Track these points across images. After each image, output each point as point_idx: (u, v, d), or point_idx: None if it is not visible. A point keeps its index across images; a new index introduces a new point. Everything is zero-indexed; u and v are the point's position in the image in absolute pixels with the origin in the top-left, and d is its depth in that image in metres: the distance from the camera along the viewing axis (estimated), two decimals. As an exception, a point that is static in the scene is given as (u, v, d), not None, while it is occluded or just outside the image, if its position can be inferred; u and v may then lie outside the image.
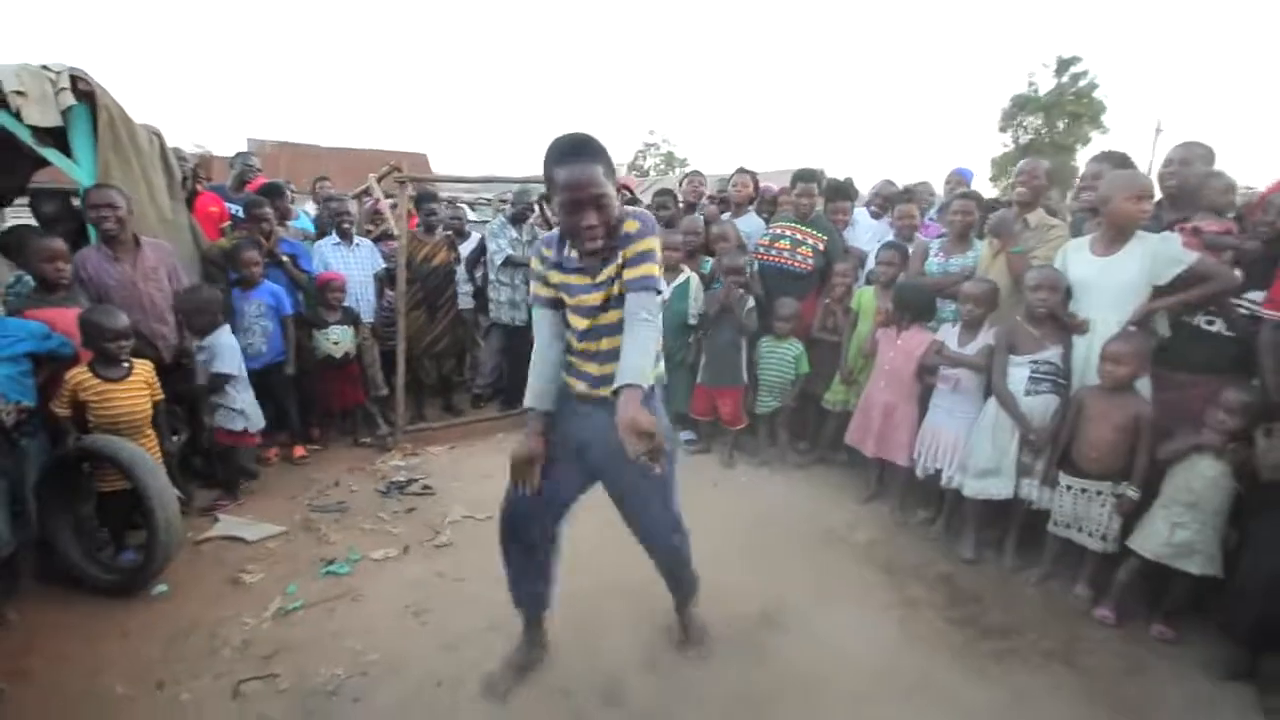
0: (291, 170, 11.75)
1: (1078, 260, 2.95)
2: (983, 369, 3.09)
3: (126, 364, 2.71)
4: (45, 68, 2.83)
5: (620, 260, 1.76)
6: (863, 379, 3.68)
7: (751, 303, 3.91)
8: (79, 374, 2.60)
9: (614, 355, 1.76)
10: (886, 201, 4.55)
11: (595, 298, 1.83)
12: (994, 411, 3.04)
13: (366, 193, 5.51)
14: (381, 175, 5.12)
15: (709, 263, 4.28)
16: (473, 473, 3.83)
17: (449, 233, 5.00)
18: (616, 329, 1.80)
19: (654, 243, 1.75)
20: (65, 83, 2.88)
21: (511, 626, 2.23)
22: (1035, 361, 2.93)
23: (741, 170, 4.59)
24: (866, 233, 4.41)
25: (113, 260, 3.07)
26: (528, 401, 1.91)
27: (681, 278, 4.09)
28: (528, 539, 2.04)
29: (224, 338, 3.35)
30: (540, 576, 2.11)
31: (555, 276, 1.88)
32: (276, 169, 12.12)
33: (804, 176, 4.09)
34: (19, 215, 4.87)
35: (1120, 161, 3.17)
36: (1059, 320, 2.93)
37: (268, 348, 3.83)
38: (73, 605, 2.51)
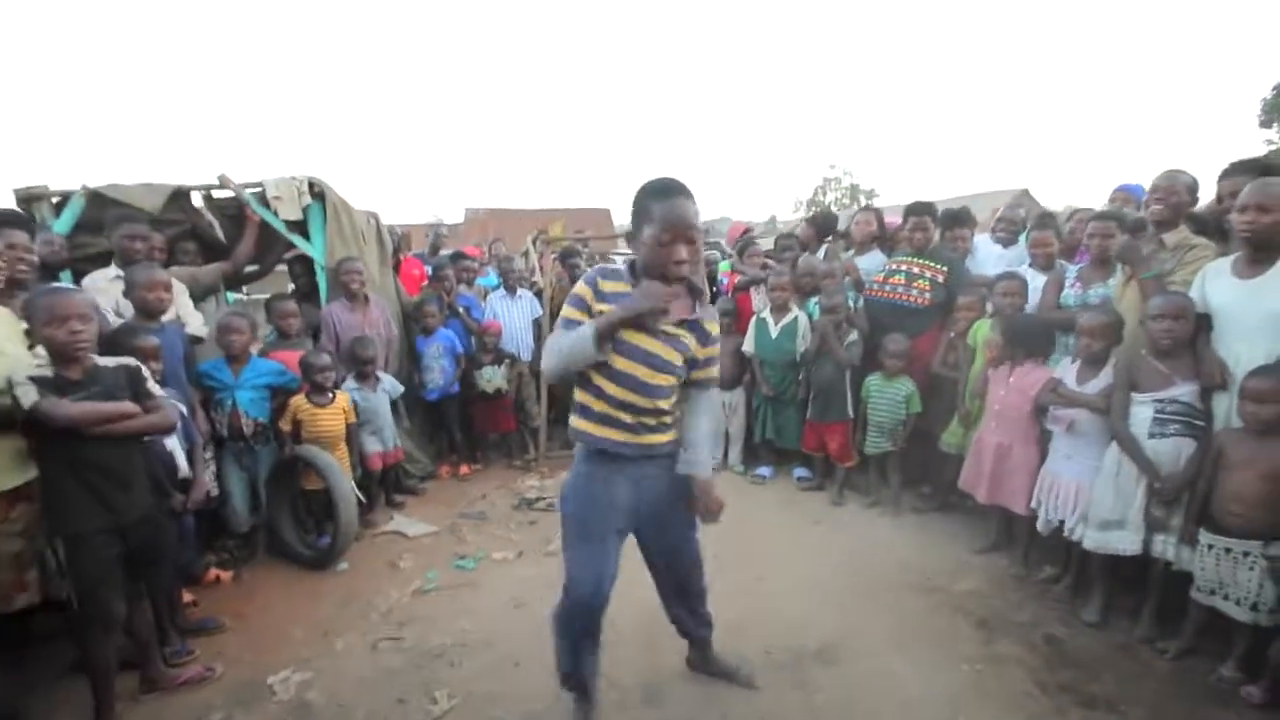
0: (498, 231, 13.72)
1: (1218, 284, 2.57)
2: (1102, 410, 2.79)
3: (330, 394, 3.60)
4: (293, 178, 3.95)
5: (698, 343, 1.92)
6: (980, 419, 3.46)
7: (854, 336, 3.89)
8: (298, 400, 3.54)
9: (654, 414, 1.89)
10: (1011, 226, 4.23)
11: (661, 349, 1.85)
12: (1116, 456, 2.72)
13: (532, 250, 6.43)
14: (534, 238, 5.97)
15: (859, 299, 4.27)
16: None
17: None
18: (668, 393, 1.89)
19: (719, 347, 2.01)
20: (305, 188, 3.98)
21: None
22: (1161, 400, 2.59)
23: (865, 208, 4.61)
24: (989, 260, 4.13)
25: (350, 311, 4.11)
26: (586, 331, 1.78)
27: (790, 316, 4.20)
28: (598, 624, 2.07)
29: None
30: (596, 651, 2.15)
31: (605, 307, 1.85)
32: (486, 232, 14.25)
33: (915, 210, 4.02)
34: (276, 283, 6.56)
35: (1259, 169, 2.70)
36: (1192, 353, 2.58)
37: (443, 382, 4.69)
38: (283, 572, 3.38)
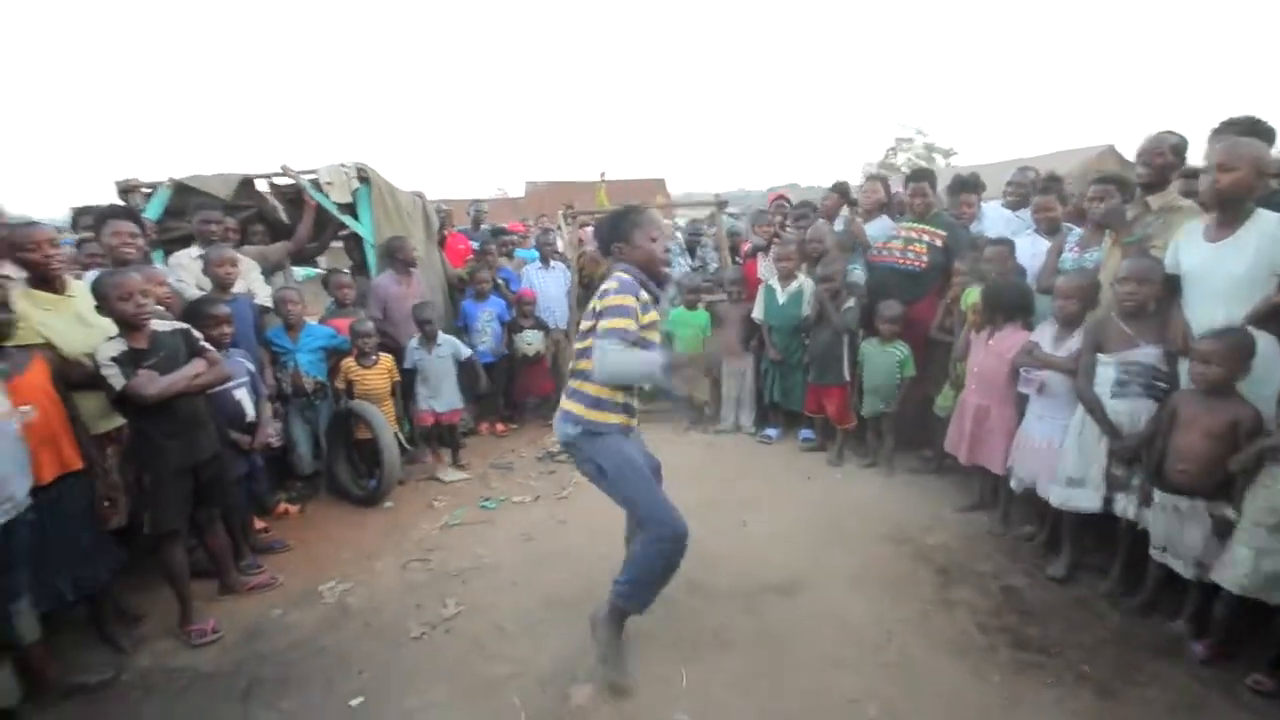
0: (557, 203, 14.13)
1: (1189, 248, 2.60)
2: (1071, 371, 2.87)
3: (374, 356, 4.12)
4: (342, 165, 4.44)
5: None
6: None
7: (850, 303, 4.03)
8: (348, 362, 4.07)
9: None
10: (1020, 190, 4.19)
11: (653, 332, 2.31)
12: (1081, 416, 2.82)
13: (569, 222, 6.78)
14: (563, 212, 6.30)
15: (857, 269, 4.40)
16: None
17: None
18: None
19: None
20: (354, 173, 4.46)
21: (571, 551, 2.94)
22: (1124, 362, 2.67)
23: (871, 177, 4.67)
24: (997, 225, 4.13)
25: (398, 283, 4.61)
26: (658, 361, 2.17)
27: (796, 283, 4.38)
28: None
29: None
30: None
31: (647, 316, 2.25)
32: (541, 204, 14.69)
33: (915, 177, 4.11)
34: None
35: (1248, 128, 2.65)
36: (1160, 317, 2.63)
37: (495, 344, 5.15)
38: (339, 508, 3.96)
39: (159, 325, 2.70)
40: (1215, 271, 2.47)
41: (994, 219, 4.31)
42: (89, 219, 3.74)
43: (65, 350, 2.56)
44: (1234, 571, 2.23)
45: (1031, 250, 3.63)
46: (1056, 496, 2.90)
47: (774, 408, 4.67)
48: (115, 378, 2.49)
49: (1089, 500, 2.78)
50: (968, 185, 4.36)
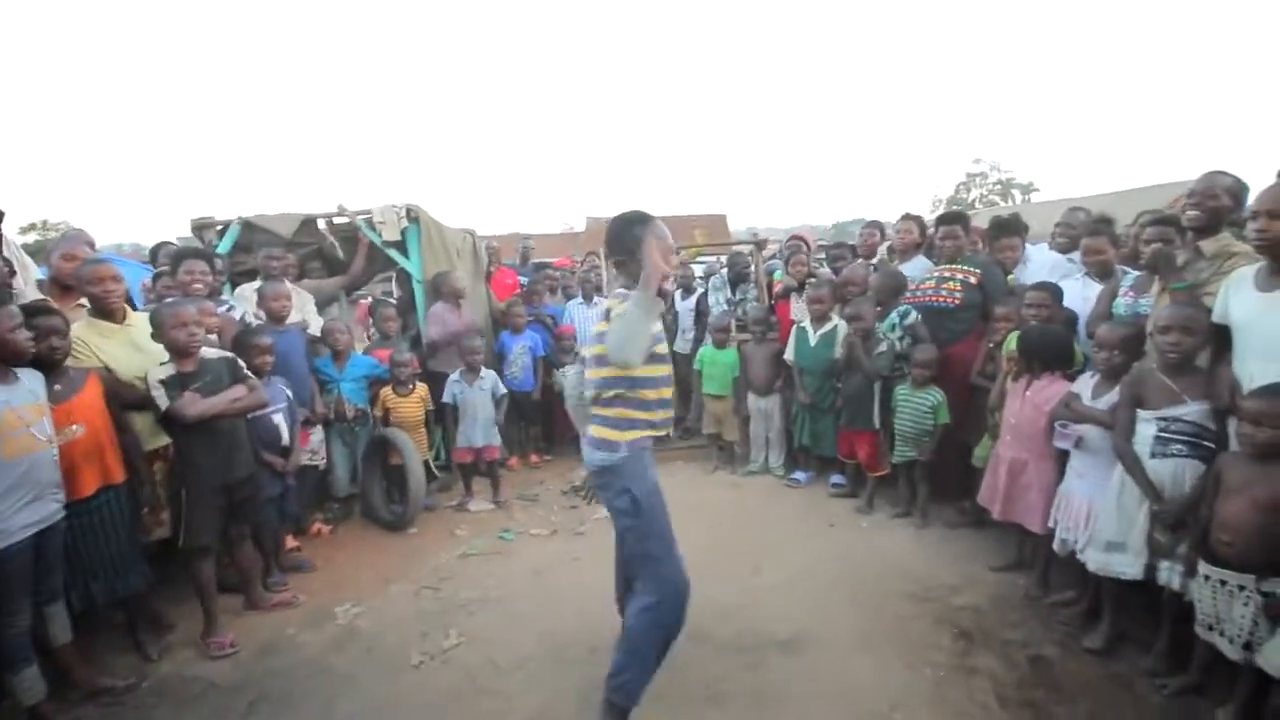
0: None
1: (1239, 297, 2.39)
2: (1109, 425, 2.66)
3: (410, 385, 4.30)
4: (393, 205, 4.73)
5: None
6: (1003, 433, 3.35)
7: (883, 346, 3.90)
8: (385, 390, 4.27)
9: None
10: (1070, 231, 3.96)
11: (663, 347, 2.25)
12: (1120, 475, 2.60)
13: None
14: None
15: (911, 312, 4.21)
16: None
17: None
18: None
19: None
20: (403, 212, 4.74)
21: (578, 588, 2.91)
22: (1165, 419, 2.45)
23: (906, 216, 4.55)
24: (1043, 269, 3.90)
25: (450, 311, 4.82)
26: (635, 297, 1.99)
27: (829, 325, 4.28)
28: None
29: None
30: None
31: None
32: (599, 240, 15.04)
33: (945, 220, 4.07)
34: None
35: None
36: (1207, 371, 2.41)
37: (524, 376, 5.28)
38: (368, 531, 4.12)
39: (207, 353, 2.94)
40: (1265, 323, 2.25)
41: (1039, 263, 4.08)
42: (166, 257, 4.12)
43: (120, 373, 2.82)
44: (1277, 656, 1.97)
45: (1083, 294, 3.41)
46: (1094, 561, 2.66)
47: (804, 451, 4.54)
48: (161, 399, 2.72)
49: (1130, 567, 2.53)
50: (1008, 228, 4.17)
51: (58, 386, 2.52)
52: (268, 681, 2.64)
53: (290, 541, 3.74)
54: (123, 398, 2.80)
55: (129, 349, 2.90)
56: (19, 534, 2.25)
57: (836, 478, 4.35)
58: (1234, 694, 2.22)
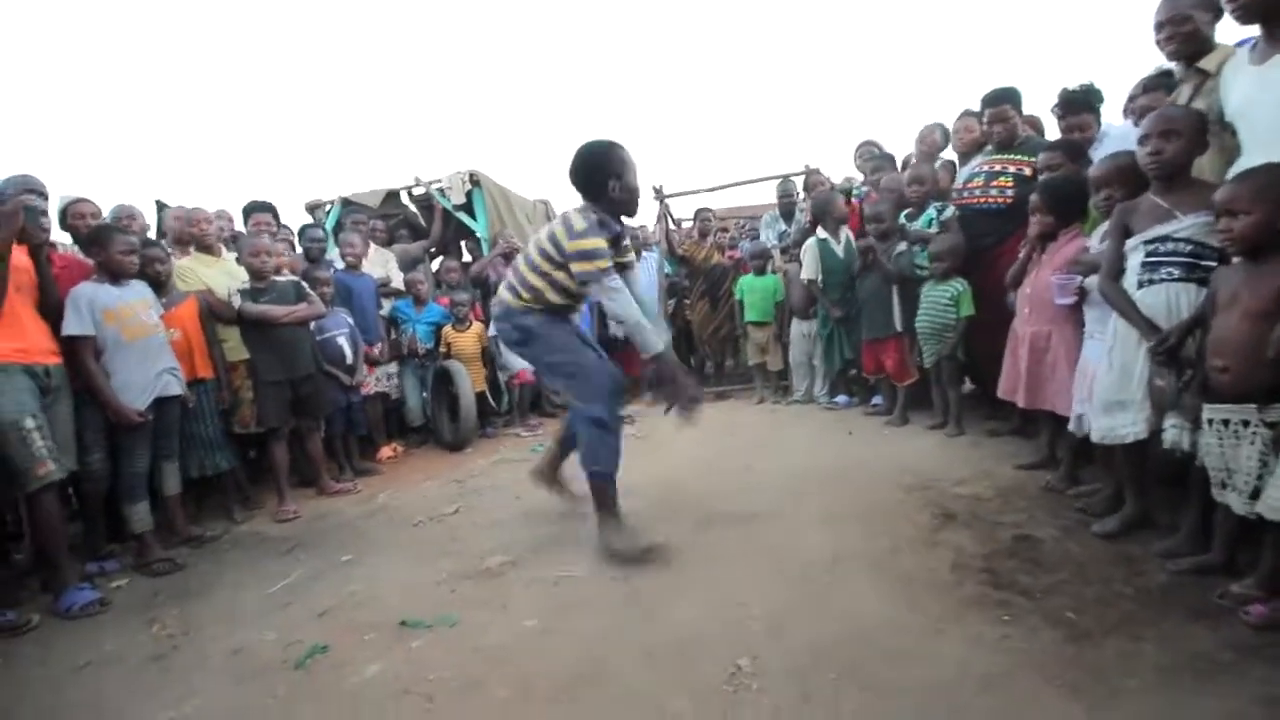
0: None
1: (1234, 79, 2.00)
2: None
3: (468, 322, 4.81)
4: (458, 172, 5.32)
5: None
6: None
7: (902, 247, 3.61)
8: (448, 328, 4.81)
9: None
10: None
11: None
12: (1115, 322, 2.24)
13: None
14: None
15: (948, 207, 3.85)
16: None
17: (719, 236, 6.04)
18: None
19: None
20: (467, 178, 5.32)
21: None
22: (1151, 240, 2.08)
23: (966, 113, 4.07)
24: (1122, 143, 3.33)
25: (504, 265, 5.35)
26: (661, 348, 2.46)
27: (846, 231, 4.07)
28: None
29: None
30: None
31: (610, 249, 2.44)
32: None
33: (991, 100, 3.45)
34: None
35: None
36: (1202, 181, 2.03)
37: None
38: (433, 451, 4.65)
39: (279, 278, 3.63)
40: (1263, 100, 1.85)
41: (1117, 138, 3.50)
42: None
43: (216, 291, 3.58)
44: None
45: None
46: (1098, 429, 2.30)
47: (844, 374, 4.31)
48: (236, 301, 3.44)
49: (1132, 425, 2.17)
50: (1078, 104, 3.57)
51: (164, 300, 3.28)
52: (307, 534, 3.17)
53: (380, 453, 4.39)
54: (218, 313, 3.54)
55: (222, 275, 3.67)
56: (143, 397, 2.96)
57: (876, 398, 4.08)
58: (1262, 565, 1.82)
